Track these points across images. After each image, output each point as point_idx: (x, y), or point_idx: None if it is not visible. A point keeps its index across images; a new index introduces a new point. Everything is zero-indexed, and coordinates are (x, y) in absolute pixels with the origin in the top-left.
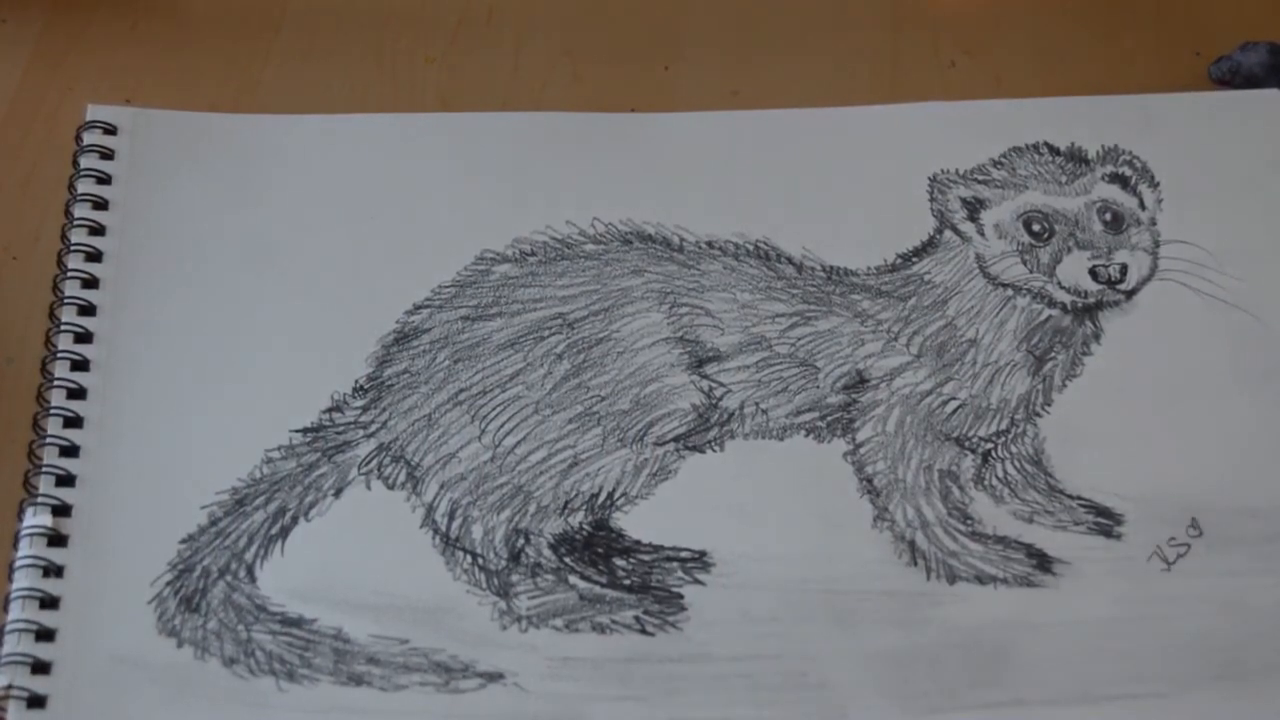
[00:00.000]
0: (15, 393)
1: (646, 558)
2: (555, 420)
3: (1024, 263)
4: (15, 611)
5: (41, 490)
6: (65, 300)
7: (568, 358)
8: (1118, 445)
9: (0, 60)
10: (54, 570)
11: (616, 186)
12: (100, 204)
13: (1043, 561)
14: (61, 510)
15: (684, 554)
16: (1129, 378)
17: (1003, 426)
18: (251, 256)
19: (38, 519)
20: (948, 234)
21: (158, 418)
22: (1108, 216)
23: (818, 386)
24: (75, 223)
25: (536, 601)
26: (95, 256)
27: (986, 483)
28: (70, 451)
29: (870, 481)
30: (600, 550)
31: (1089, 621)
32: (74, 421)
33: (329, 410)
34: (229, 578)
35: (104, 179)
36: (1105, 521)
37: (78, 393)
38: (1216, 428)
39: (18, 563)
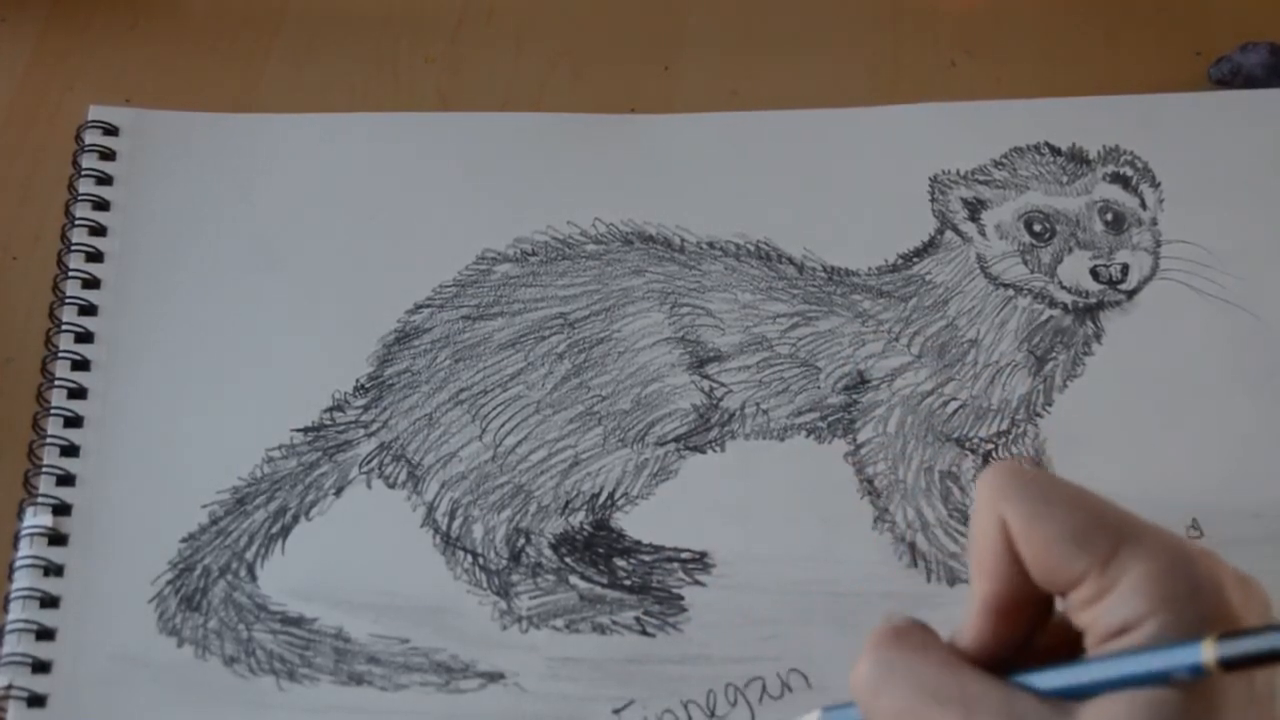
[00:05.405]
0: (15, 393)
1: (647, 558)
2: (556, 420)
3: (1025, 263)
4: (15, 611)
5: (41, 490)
6: (65, 300)
7: (569, 357)
8: (1119, 446)
9: (0, 60)
10: (54, 569)
11: (617, 187)
12: (101, 204)
13: None
14: (61, 510)
15: (684, 555)
16: (1130, 378)
17: (1003, 427)
18: (252, 256)
19: (38, 518)
20: (949, 234)
21: (158, 417)
22: (1109, 216)
23: (819, 387)
24: (75, 223)
25: (537, 601)
26: (96, 257)
27: None
28: (70, 451)
29: (871, 482)
30: (601, 550)
31: None
32: (74, 421)
33: (330, 409)
34: (230, 577)
35: (104, 179)
36: None
37: (78, 392)
38: (1218, 428)
39: (18, 562)
